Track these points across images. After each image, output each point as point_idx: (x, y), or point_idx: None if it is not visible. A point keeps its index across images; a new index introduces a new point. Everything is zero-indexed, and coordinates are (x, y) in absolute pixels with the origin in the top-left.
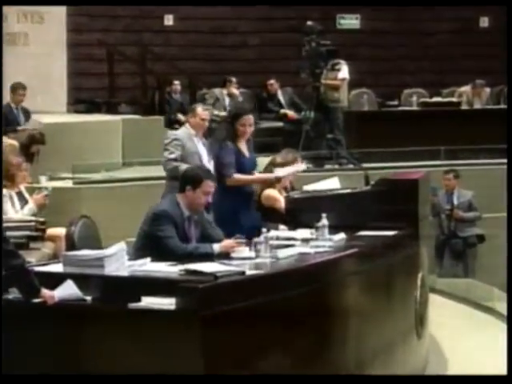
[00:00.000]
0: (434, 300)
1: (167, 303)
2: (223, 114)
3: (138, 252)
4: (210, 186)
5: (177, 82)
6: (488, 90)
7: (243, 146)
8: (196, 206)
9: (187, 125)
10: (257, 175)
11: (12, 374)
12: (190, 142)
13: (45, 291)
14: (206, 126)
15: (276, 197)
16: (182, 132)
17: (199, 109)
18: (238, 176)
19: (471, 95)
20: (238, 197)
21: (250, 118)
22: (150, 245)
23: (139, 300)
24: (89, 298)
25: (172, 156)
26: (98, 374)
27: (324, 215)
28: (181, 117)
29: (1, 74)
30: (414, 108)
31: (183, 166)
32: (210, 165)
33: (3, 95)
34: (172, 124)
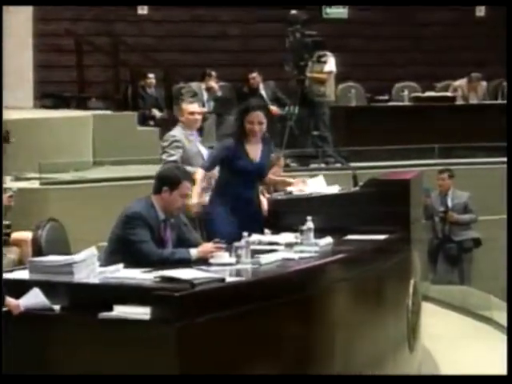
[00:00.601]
0: (428, 309)
1: (141, 313)
2: (202, 109)
3: (109, 257)
4: (187, 187)
5: (151, 76)
6: (485, 83)
7: (253, 148)
8: (172, 208)
9: (180, 125)
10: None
11: (12, 374)
12: (189, 142)
13: (9, 300)
14: (198, 120)
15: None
16: (179, 133)
17: (184, 104)
18: (197, 175)
19: (467, 89)
20: (225, 197)
21: (258, 115)
22: (122, 250)
23: (111, 309)
24: (57, 307)
25: (171, 158)
26: (99, 374)
27: (309, 218)
28: (156, 112)
29: (1, 73)
30: (406, 103)
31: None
32: None
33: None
34: (146, 120)
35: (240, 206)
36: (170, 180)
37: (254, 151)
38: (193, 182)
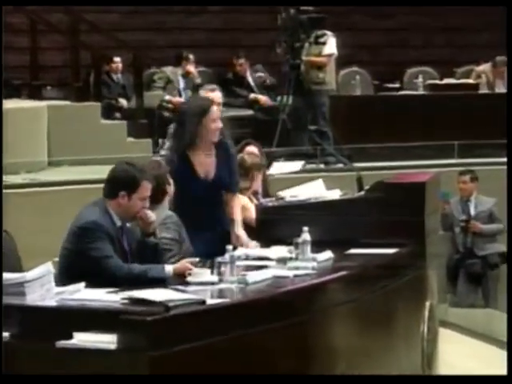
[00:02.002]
0: (446, 336)
1: (106, 341)
2: (178, 99)
3: (62, 276)
4: (147, 188)
5: (117, 59)
6: None
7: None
8: (131, 214)
9: None
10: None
11: (12, 374)
12: None
13: None
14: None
15: (245, 205)
16: None
17: (202, 91)
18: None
19: (492, 75)
20: None
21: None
22: (79, 268)
23: (71, 337)
24: (6, 333)
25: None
26: (99, 374)
27: (306, 229)
28: (123, 103)
29: (1, 73)
30: (421, 92)
31: None
32: None
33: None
34: (112, 112)
35: (203, 230)
36: (128, 182)
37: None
38: (151, 176)
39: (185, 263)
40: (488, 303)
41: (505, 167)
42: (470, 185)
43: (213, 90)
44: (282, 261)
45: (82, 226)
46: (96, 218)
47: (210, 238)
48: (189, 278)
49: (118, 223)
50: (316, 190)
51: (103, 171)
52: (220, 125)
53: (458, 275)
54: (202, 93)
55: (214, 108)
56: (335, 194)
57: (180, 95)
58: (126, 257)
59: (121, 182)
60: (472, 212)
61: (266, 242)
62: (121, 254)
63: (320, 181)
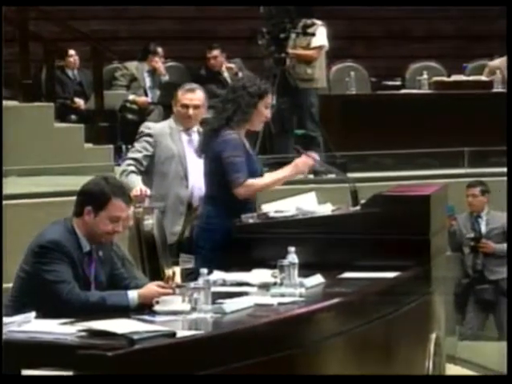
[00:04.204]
0: (454, 372)
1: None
2: (143, 99)
3: (16, 303)
4: (120, 208)
5: (73, 53)
6: None
7: (247, 144)
8: (99, 236)
9: (173, 116)
10: (277, 173)
11: (12, 375)
12: (172, 139)
13: None
14: (192, 117)
15: None
16: (163, 126)
17: (179, 91)
18: (252, 182)
19: (508, 72)
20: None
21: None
22: (34, 293)
23: (19, 374)
24: None
25: (133, 155)
26: (101, 374)
27: (292, 249)
28: (80, 103)
29: (1, 74)
30: (425, 91)
31: (132, 177)
32: (198, 171)
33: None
34: (67, 114)
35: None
36: (95, 197)
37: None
38: (130, 199)
39: (152, 288)
40: (502, 335)
41: None
42: (481, 198)
43: (192, 91)
44: (265, 286)
45: (41, 244)
46: (58, 238)
47: None
48: (156, 307)
49: (86, 248)
50: (306, 204)
51: (57, 182)
52: (269, 115)
53: (468, 303)
54: (180, 94)
55: (270, 94)
56: (326, 209)
57: (146, 94)
58: (89, 288)
59: (87, 197)
60: (483, 229)
61: (246, 265)
62: (82, 283)
63: (313, 194)
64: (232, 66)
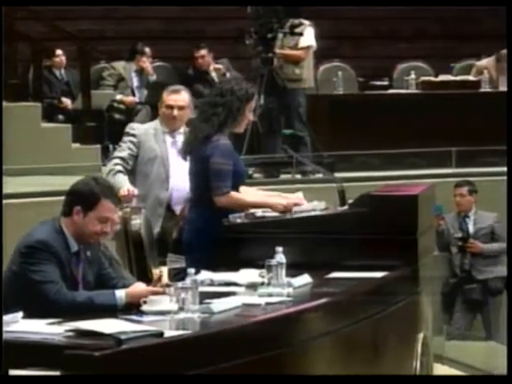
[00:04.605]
0: (442, 372)
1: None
2: (131, 99)
3: (5, 304)
4: (109, 209)
5: (60, 52)
6: None
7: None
8: (87, 236)
9: (159, 119)
10: (263, 197)
11: (12, 375)
12: (156, 140)
13: None
14: (177, 117)
15: None
16: (148, 127)
17: (164, 93)
18: (236, 195)
19: (495, 72)
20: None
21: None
22: (21, 293)
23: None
24: None
25: (119, 154)
26: (102, 374)
27: (279, 249)
28: (67, 102)
29: (1, 73)
30: (412, 90)
31: (119, 177)
32: (180, 174)
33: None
34: (54, 114)
35: None
36: (84, 197)
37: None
38: (119, 201)
39: (139, 287)
40: (490, 335)
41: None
42: (468, 198)
43: (176, 92)
44: (253, 286)
45: (28, 245)
46: (46, 238)
47: None
48: (144, 307)
49: (74, 248)
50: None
51: (44, 182)
52: (252, 117)
53: (455, 303)
54: (165, 95)
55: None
56: (318, 206)
57: (133, 94)
58: (76, 288)
59: (77, 197)
60: (471, 229)
61: (234, 265)
62: (70, 283)
63: (300, 194)
64: (220, 66)
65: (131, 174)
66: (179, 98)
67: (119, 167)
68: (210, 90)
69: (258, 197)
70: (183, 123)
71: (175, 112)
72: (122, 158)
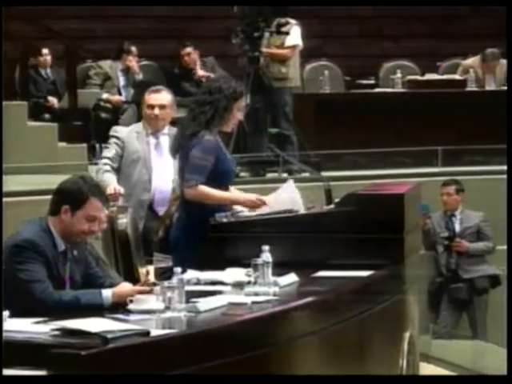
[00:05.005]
0: (428, 371)
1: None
2: (117, 98)
3: None
4: (97, 208)
5: (46, 51)
6: (505, 62)
7: (221, 142)
8: (75, 235)
9: (143, 120)
10: (234, 193)
11: (12, 375)
12: (139, 142)
13: None
14: (159, 117)
15: None
16: (131, 129)
17: (145, 93)
18: (204, 189)
19: (481, 71)
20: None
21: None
22: (8, 291)
23: None
24: None
25: (107, 154)
26: (89, 373)
27: (266, 248)
28: (54, 101)
29: (1, 73)
30: (399, 89)
31: (106, 176)
32: (162, 175)
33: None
34: (40, 113)
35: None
36: (72, 196)
37: (222, 145)
38: (107, 200)
39: (126, 287)
40: (476, 334)
41: (495, 177)
42: (455, 197)
43: (157, 91)
44: (239, 285)
45: (16, 243)
46: (33, 237)
47: None
48: (130, 306)
49: (61, 247)
50: (289, 194)
51: (31, 181)
52: (241, 117)
53: (441, 302)
54: (146, 95)
55: (244, 97)
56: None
57: (120, 93)
58: (63, 287)
59: (65, 195)
60: (457, 228)
61: (220, 264)
62: (57, 282)
63: (291, 182)
64: (204, 74)
65: (117, 173)
66: (160, 97)
67: (107, 167)
68: (200, 89)
69: (227, 194)
70: (166, 123)
71: (156, 111)
72: (109, 158)
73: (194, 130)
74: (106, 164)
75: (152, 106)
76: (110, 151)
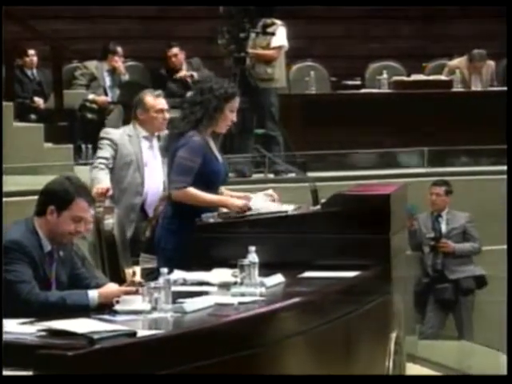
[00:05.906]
0: (415, 372)
1: None
2: (103, 98)
3: None
4: (83, 208)
5: (32, 52)
6: (492, 63)
7: (213, 144)
8: (61, 235)
9: (135, 123)
10: (223, 196)
11: (12, 375)
12: (131, 145)
13: None
14: (167, 119)
15: None
16: (122, 132)
17: (148, 97)
18: (191, 191)
19: (467, 71)
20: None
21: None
22: None
23: None
24: None
25: (102, 154)
26: (103, 374)
27: (252, 249)
28: (39, 102)
29: (1, 73)
30: (385, 90)
31: (99, 173)
32: (155, 178)
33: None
34: (26, 113)
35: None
36: (58, 196)
37: (214, 147)
38: (93, 200)
39: (112, 287)
40: (462, 334)
41: (481, 177)
42: (444, 198)
43: (160, 96)
44: (225, 286)
45: (2, 245)
46: (19, 238)
47: None
48: (117, 306)
49: (47, 248)
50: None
51: (17, 182)
52: (235, 118)
53: (428, 302)
54: (151, 100)
55: (237, 98)
56: (288, 208)
57: (106, 94)
58: (49, 288)
59: (51, 196)
60: (443, 229)
61: (207, 265)
62: (43, 283)
63: (270, 191)
64: (187, 73)
65: (111, 175)
66: (163, 101)
67: (102, 165)
68: (186, 89)
69: (214, 197)
70: None
71: (167, 115)
72: (105, 158)
73: (182, 130)
74: (101, 163)
75: (162, 111)
76: (106, 152)
